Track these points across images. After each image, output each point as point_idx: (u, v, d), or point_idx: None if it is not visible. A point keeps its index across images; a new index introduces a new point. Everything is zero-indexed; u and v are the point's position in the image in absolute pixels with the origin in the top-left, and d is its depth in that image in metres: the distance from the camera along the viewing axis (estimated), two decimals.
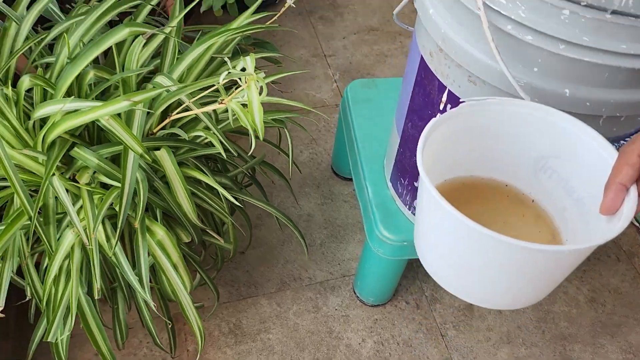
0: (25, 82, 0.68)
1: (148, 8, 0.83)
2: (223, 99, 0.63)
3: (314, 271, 1.13)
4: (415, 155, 0.49)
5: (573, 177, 0.53)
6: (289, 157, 0.87)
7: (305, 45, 1.58)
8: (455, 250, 0.48)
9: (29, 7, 0.84)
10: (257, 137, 0.63)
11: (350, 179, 1.28)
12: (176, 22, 0.77)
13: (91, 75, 0.68)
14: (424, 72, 0.72)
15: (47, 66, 0.79)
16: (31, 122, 0.71)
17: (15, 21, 0.80)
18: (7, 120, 0.69)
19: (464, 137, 0.56)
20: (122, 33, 0.67)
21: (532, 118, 0.53)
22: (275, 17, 0.90)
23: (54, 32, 0.76)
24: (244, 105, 0.61)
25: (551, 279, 0.48)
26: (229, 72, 0.59)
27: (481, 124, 0.55)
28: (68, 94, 0.71)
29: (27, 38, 0.76)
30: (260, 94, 0.61)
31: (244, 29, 0.77)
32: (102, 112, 0.61)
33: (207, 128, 0.73)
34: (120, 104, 0.60)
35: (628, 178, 0.41)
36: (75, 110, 0.64)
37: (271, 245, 1.17)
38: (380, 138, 1.01)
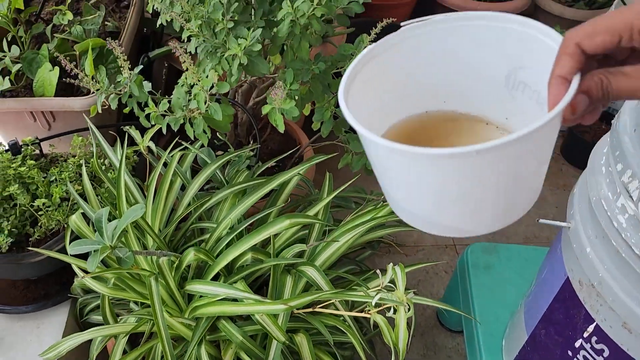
0: (190, 255, 0.75)
1: (296, 179, 0.89)
2: (370, 310, 0.65)
3: None
4: None
5: (541, 86, 0.43)
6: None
7: None
8: (412, 188, 0.41)
9: (195, 163, 0.93)
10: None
11: (456, 332, 1.26)
12: (324, 204, 0.82)
13: (248, 257, 0.74)
14: (569, 294, 0.71)
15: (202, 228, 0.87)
16: (184, 289, 0.77)
17: (181, 177, 0.90)
18: (167, 284, 0.76)
19: (416, 68, 0.47)
20: (283, 224, 0.73)
21: (487, 31, 0.45)
22: None
23: (215, 199, 0.84)
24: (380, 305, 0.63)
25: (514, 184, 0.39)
26: (381, 294, 0.62)
27: (436, 49, 0.47)
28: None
29: (189, 204, 0.85)
30: (407, 310, 0.63)
31: (393, 216, 0.81)
32: (259, 309, 0.66)
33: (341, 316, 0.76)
34: (277, 307, 0.65)
35: (567, 69, 0.35)
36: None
37: None
38: (500, 315, 0.99)
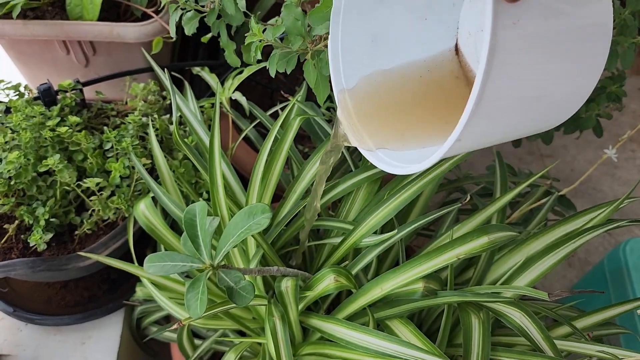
0: (328, 281, 0.50)
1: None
2: None
3: None
4: None
5: None
6: None
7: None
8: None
9: None
10: None
11: None
12: (500, 206, 0.56)
13: (419, 287, 0.48)
14: None
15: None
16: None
17: (292, 154, 0.63)
18: (287, 316, 0.51)
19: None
20: (479, 242, 0.47)
21: None
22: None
23: (344, 186, 0.58)
24: None
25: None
26: None
27: None
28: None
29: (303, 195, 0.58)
30: None
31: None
32: None
33: None
34: None
35: None
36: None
37: None
38: None
